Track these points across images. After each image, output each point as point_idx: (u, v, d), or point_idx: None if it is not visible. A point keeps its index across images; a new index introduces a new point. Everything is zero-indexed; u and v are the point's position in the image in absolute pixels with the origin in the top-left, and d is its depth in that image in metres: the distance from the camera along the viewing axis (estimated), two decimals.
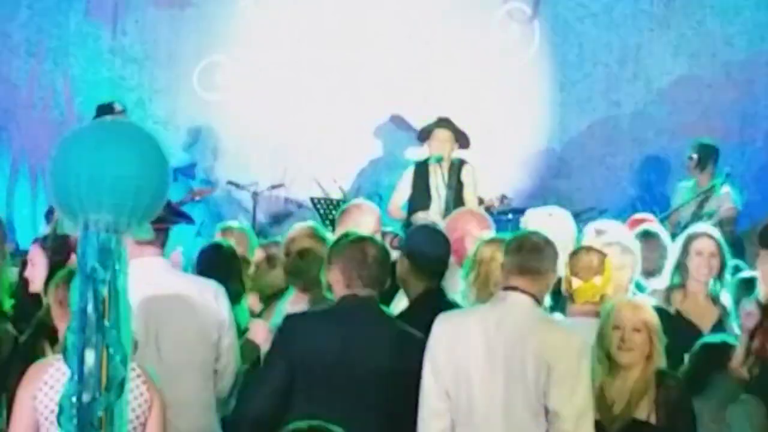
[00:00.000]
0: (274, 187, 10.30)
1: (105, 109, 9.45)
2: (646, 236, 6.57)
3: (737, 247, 6.99)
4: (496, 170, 9.85)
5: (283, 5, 10.62)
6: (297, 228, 5.73)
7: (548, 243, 4.35)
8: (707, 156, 9.05)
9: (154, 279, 4.60)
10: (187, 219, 4.97)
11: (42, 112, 10.69)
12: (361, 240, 4.59)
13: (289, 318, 4.57)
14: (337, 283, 4.51)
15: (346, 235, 4.70)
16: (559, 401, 4.10)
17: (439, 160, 8.56)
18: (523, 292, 4.22)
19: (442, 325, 4.29)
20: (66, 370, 3.76)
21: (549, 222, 5.84)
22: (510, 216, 8.99)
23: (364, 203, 6.59)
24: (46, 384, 3.80)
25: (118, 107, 9.52)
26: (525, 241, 4.32)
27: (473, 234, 5.81)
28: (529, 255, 4.25)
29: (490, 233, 5.96)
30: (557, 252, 4.41)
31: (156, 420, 3.91)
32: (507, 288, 4.26)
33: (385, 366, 4.36)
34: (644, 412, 4.53)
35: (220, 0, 10.70)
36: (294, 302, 5.37)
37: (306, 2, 10.61)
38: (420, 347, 4.38)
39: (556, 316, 4.86)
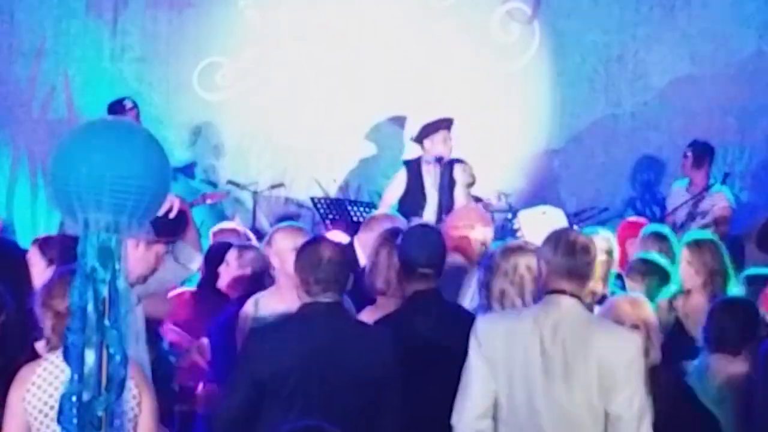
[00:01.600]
0: (274, 186, 10.31)
1: (115, 107, 9.47)
2: (659, 238, 6.62)
3: (733, 246, 6.99)
4: (497, 170, 9.86)
5: (283, 5, 10.62)
6: (288, 228, 5.70)
7: (593, 242, 4.28)
8: (703, 155, 9.05)
9: None
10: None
11: (42, 112, 10.69)
12: (315, 242, 4.56)
13: (253, 333, 4.51)
14: (297, 288, 4.46)
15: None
16: (622, 405, 4.06)
17: (420, 162, 8.58)
18: (571, 295, 4.14)
19: (493, 326, 4.21)
20: (54, 369, 3.79)
21: (542, 220, 5.85)
22: (510, 216, 8.99)
23: (395, 215, 6.65)
24: (34, 384, 3.81)
25: (128, 104, 9.53)
26: (576, 242, 4.18)
27: (476, 230, 5.84)
28: (580, 258, 4.14)
29: (490, 230, 5.99)
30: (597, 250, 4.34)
31: (147, 417, 3.92)
32: (554, 291, 4.15)
33: (356, 369, 4.32)
34: None
35: (220, 0, 10.70)
36: (280, 300, 5.37)
37: (306, 2, 10.61)
38: (388, 341, 4.38)
39: None
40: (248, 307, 5.53)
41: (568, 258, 4.13)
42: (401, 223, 6.31)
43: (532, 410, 4.10)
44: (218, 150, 10.69)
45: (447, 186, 8.46)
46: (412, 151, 9.23)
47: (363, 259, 5.97)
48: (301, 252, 4.48)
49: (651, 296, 5.89)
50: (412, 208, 8.41)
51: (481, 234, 5.98)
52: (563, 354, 4.08)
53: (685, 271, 5.91)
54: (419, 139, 8.72)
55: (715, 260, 5.88)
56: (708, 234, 6.46)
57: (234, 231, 7.51)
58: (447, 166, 8.56)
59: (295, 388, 4.28)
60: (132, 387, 3.85)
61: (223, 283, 6.04)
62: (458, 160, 8.61)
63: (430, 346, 4.58)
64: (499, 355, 4.11)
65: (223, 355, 5.55)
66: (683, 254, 5.96)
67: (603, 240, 5.50)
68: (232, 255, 6.04)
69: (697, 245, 5.96)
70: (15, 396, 3.83)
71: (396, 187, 8.70)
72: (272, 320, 4.87)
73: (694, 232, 6.72)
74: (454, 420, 4.16)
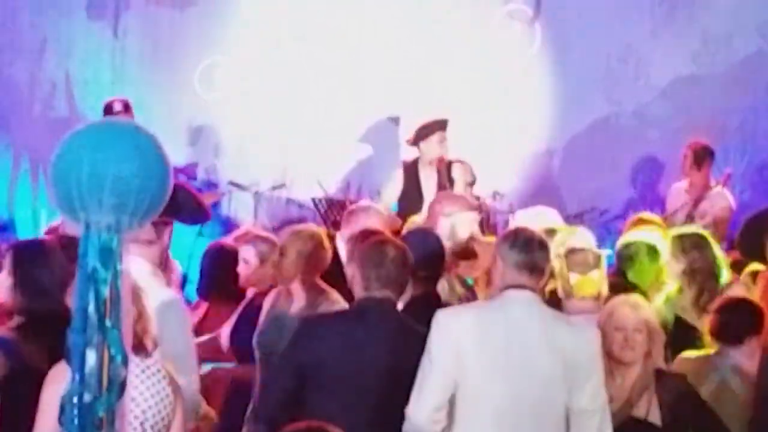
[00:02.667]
0: (275, 187, 10.30)
1: (106, 109, 9.44)
2: None
3: (733, 247, 6.99)
4: (497, 170, 9.85)
5: (283, 5, 10.62)
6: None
7: (545, 238, 4.36)
8: (702, 156, 9.04)
9: None
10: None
11: (43, 112, 10.70)
12: (382, 241, 4.61)
13: (305, 320, 4.60)
14: (356, 283, 4.53)
15: (371, 235, 4.74)
16: (587, 398, 4.12)
17: (417, 162, 8.60)
18: (531, 290, 4.19)
19: (455, 319, 4.22)
20: None
21: (537, 222, 5.84)
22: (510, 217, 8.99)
23: (372, 205, 6.63)
24: None
25: (117, 107, 9.44)
26: (531, 238, 4.25)
27: (445, 213, 5.82)
28: (538, 253, 4.21)
29: (472, 215, 5.97)
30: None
31: (179, 422, 3.95)
32: (515, 286, 4.20)
33: (400, 368, 4.34)
34: (643, 409, 4.57)
35: (221, 0, 10.70)
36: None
37: (306, 2, 10.61)
38: None
39: None
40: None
41: (526, 254, 4.19)
42: (380, 214, 6.31)
43: (495, 404, 4.10)
44: (219, 150, 10.69)
45: (445, 186, 8.45)
46: (411, 151, 9.24)
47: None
48: (366, 248, 4.55)
49: (644, 274, 5.94)
50: (410, 209, 8.41)
51: (452, 218, 5.95)
52: (528, 349, 4.10)
53: (668, 264, 5.95)
54: (415, 142, 8.71)
55: (697, 254, 5.89)
56: (693, 228, 6.46)
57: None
58: (445, 166, 8.56)
59: (336, 379, 4.34)
60: (169, 392, 3.88)
61: (245, 281, 6.04)
62: (457, 161, 8.61)
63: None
64: (463, 348, 4.12)
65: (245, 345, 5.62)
66: (667, 247, 6.00)
67: (588, 240, 5.52)
68: (249, 253, 6.03)
69: (679, 239, 5.98)
70: (53, 393, 3.76)
71: (392, 188, 8.70)
72: (326, 311, 4.95)
73: (681, 227, 6.72)
74: (410, 410, 4.15)
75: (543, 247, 4.24)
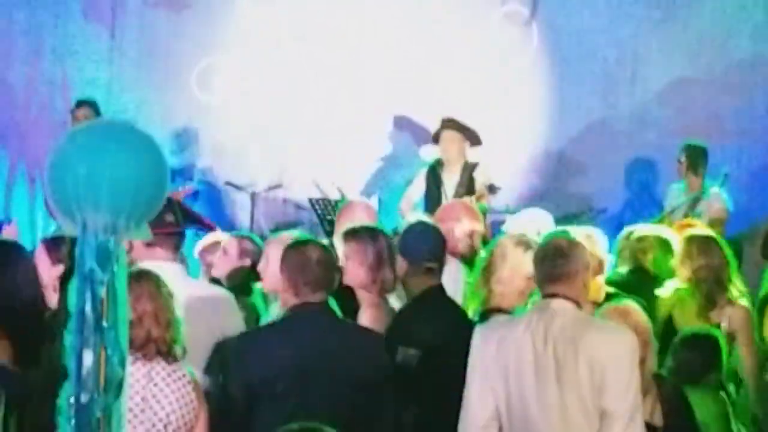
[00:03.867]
0: (272, 188, 10.30)
1: (73, 113, 9.57)
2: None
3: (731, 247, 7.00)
4: (494, 171, 9.86)
5: (282, 6, 10.62)
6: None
7: (572, 242, 4.32)
8: (697, 158, 9.05)
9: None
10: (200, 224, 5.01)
11: (40, 114, 10.69)
12: (302, 243, 4.52)
13: (242, 338, 4.51)
14: (285, 291, 4.45)
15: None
16: (614, 400, 4.08)
17: (440, 163, 8.67)
18: (563, 296, 4.20)
19: (488, 335, 4.28)
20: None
21: (529, 228, 5.86)
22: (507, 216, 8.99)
23: (361, 202, 6.66)
24: None
25: (74, 108, 9.60)
26: (548, 247, 4.29)
27: (462, 223, 5.88)
28: (554, 261, 4.22)
29: (479, 225, 6.03)
30: (585, 248, 4.37)
31: (201, 428, 4.03)
32: (545, 296, 4.23)
33: (346, 370, 4.32)
34: (647, 413, 4.57)
35: (219, 1, 10.70)
36: None
37: (305, 3, 10.61)
38: (380, 343, 4.41)
39: None
40: None
41: (544, 264, 4.24)
42: (369, 211, 6.33)
43: (527, 416, 4.12)
44: (216, 151, 10.69)
45: (467, 186, 8.53)
46: (427, 150, 9.33)
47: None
48: (289, 254, 4.47)
49: (660, 269, 5.94)
50: (432, 208, 8.48)
51: (468, 227, 6.02)
52: (554, 356, 4.11)
53: (677, 266, 5.95)
54: (434, 141, 8.88)
55: (704, 261, 5.89)
56: (704, 231, 6.44)
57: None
58: (468, 167, 8.65)
59: (285, 390, 4.28)
60: (194, 398, 3.98)
61: (220, 272, 5.96)
62: (478, 163, 8.73)
63: (442, 343, 4.62)
64: (492, 364, 4.18)
65: None
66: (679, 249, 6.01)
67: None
68: (231, 244, 5.99)
69: (688, 241, 5.99)
70: None
71: (416, 185, 8.84)
72: (263, 323, 4.91)
73: (695, 229, 6.71)
74: (459, 429, 4.22)
75: (560, 254, 4.22)
